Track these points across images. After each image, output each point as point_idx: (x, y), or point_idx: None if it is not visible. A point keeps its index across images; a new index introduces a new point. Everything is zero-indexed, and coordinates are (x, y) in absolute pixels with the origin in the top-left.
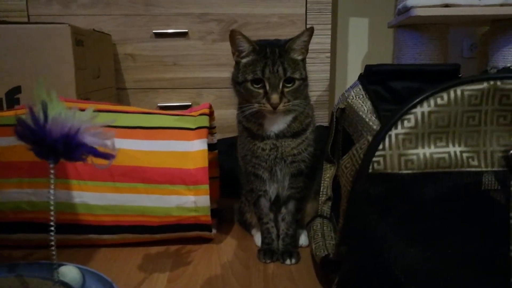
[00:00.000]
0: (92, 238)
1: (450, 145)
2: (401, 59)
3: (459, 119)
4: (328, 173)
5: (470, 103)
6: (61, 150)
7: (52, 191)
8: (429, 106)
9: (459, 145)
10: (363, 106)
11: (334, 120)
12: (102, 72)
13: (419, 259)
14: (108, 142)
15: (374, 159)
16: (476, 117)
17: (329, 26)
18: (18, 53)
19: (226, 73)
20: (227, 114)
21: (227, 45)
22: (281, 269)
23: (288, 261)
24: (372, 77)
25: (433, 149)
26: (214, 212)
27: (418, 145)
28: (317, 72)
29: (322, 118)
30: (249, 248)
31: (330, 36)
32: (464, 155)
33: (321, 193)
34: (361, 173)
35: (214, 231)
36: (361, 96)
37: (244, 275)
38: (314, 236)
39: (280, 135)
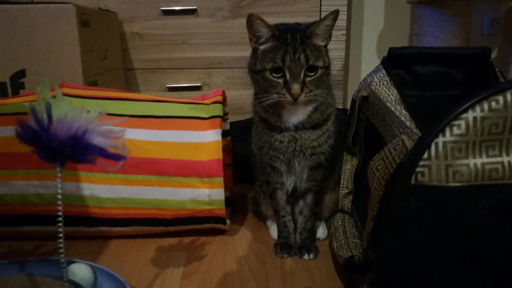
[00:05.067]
0: (102, 230)
1: (504, 154)
2: (421, 37)
3: None
4: (348, 164)
5: None
6: (67, 153)
7: (59, 196)
8: (482, 110)
9: None
10: (390, 96)
11: (356, 108)
12: (108, 53)
13: (463, 279)
14: (118, 143)
15: (418, 169)
16: None
17: (345, 2)
18: (22, 35)
19: (237, 52)
20: (239, 95)
21: (238, 23)
22: (299, 265)
23: (306, 256)
24: (395, 61)
25: (484, 159)
26: (227, 200)
27: (468, 154)
28: (331, 51)
29: (337, 99)
30: (264, 240)
31: (346, 12)
32: None
33: (341, 186)
34: (401, 184)
35: (228, 221)
36: (386, 83)
37: (261, 271)
38: (335, 234)
39: (300, 127)
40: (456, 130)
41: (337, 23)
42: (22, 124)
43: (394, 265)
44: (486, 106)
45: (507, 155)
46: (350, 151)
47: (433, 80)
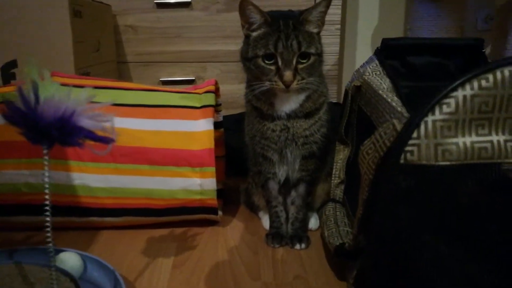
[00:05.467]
0: (93, 220)
1: (493, 133)
2: (415, 32)
3: (505, 104)
4: (341, 154)
5: None
6: (55, 134)
7: (47, 179)
8: (472, 88)
9: (503, 134)
10: (382, 84)
11: (349, 98)
12: (102, 45)
13: (456, 263)
14: (107, 125)
15: (407, 148)
16: None
17: None
18: (13, 25)
19: (232, 46)
20: (233, 89)
21: (232, 16)
22: (291, 254)
23: (297, 246)
24: (389, 52)
25: (474, 137)
26: (219, 192)
27: (457, 133)
28: (326, 45)
29: (331, 93)
30: (256, 231)
31: (340, 6)
32: (509, 144)
33: (333, 176)
34: (391, 164)
35: (220, 213)
36: (379, 73)
37: (252, 260)
38: (327, 222)
39: (292, 115)
40: (445, 109)
41: (331, 17)
42: (9, 105)
43: (384, 248)
44: (476, 84)
45: (497, 134)
46: (342, 141)
47: (427, 71)
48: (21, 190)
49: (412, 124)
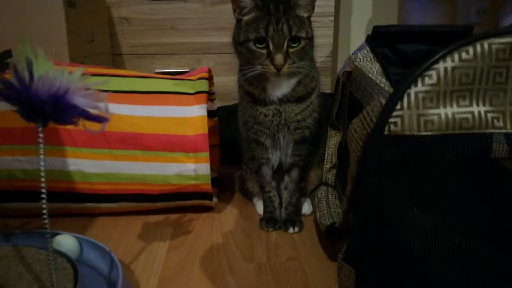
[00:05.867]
0: (89, 206)
1: (474, 104)
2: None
3: (485, 76)
4: (333, 140)
5: (498, 58)
6: (49, 111)
7: (42, 157)
8: (453, 61)
9: (484, 105)
10: (372, 68)
11: (340, 84)
12: (96, 37)
13: (437, 230)
14: (101, 105)
15: (391, 120)
16: (504, 74)
17: None
18: (8, 16)
19: (226, 38)
20: (227, 81)
21: (227, 8)
22: (284, 238)
23: (291, 230)
24: (380, 39)
25: (455, 108)
26: (214, 180)
27: (439, 104)
28: (320, 37)
29: (325, 85)
30: (250, 216)
31: None
32: (489, 115)
33: (325, 160)
34: (375, 136)
35: (215, 199)
36: (369, 59)
37: (246, 243)
38: (319, 204)
39: (284, 100)
40: (427, 80)
41: (325, 9)
42: (3, 82)
43: (370, 222)
44: (456, 56)
45: (477, 105)
46: (334, 126)
47: (417, 57)
48: (16, 176)
49: (395, 96)
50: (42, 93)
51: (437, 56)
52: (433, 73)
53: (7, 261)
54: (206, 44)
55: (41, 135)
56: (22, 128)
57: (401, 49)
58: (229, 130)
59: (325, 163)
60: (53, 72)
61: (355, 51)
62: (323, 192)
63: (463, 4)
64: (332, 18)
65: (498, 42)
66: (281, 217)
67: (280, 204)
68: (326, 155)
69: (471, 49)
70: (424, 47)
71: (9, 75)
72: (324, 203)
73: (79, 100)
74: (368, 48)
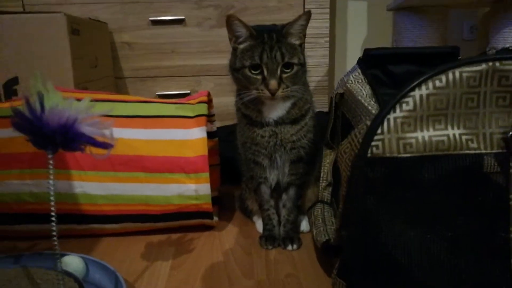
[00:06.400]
0: (94, 227)
1: (449, 127)
2: (400, 43)
3: (458, 102)
4: (328, 158)
5: (468, 85)
6: (59, 140)
7: (51, 181)
8: (427, 88)
9: (458, 128)
10: (362, 91)
11: (333, 105)
12: (99, 61)
13: (420, 242)
14: (106, 132)
15: (373, 143)
16: (475, 99)
17: (328, 10)
18: (14, 44)
19: (225, 60)
20: (227, 102)
21: (224, 31)
22: (283, 255)
23: (289, 247)
24: (371, 61)
25: (432, 132)
26: (215, 199)
27: (417, 128)
28: (316, 57)
29: (322, 104)
30: (250, 234)
31: (328, 20)
32: (463, 137)
33: (321, 179)
34: (360, 158)
35: (215, 218)
36: (360, 81)
37: (246, 261)
38: (315, 222)
39: (279, 122)
40: (405, 107)
41: (320, 30)
42: (17, 113)
43: (357, 237)
44: (431, 84)
45: (452, 128)
46: (329, 145)
47: (406, 78)
48: (24, 199)
49: (377, 121)
50: (52, 124)
51: (413, 85)
52: (410, 100)
53: (18, 282)
54: (205, 66)
55: (51, 161)
56: (30, 153)
57: (392, 70)
58: (229, 149)
59: (321, 181)
60: (62, 104)
61: (347, 72)
62: (319, 210)
63: (456, 22)
64: (327, 39)
65: (468, 70)
66: (280, 234)
67: (279, 222)
68: (321, 173)
69: (444, 77)
70: (413, 67)
71: (18, 103)
72: (320, 221)
73: (86, 129)
74: (359, 70)
